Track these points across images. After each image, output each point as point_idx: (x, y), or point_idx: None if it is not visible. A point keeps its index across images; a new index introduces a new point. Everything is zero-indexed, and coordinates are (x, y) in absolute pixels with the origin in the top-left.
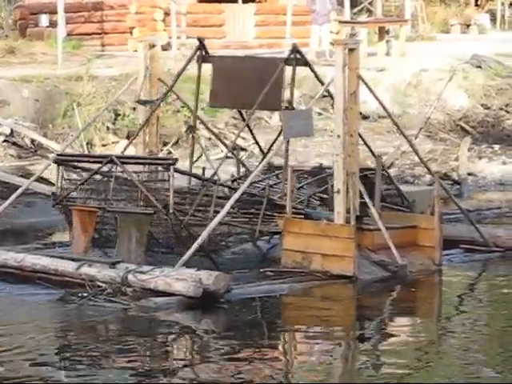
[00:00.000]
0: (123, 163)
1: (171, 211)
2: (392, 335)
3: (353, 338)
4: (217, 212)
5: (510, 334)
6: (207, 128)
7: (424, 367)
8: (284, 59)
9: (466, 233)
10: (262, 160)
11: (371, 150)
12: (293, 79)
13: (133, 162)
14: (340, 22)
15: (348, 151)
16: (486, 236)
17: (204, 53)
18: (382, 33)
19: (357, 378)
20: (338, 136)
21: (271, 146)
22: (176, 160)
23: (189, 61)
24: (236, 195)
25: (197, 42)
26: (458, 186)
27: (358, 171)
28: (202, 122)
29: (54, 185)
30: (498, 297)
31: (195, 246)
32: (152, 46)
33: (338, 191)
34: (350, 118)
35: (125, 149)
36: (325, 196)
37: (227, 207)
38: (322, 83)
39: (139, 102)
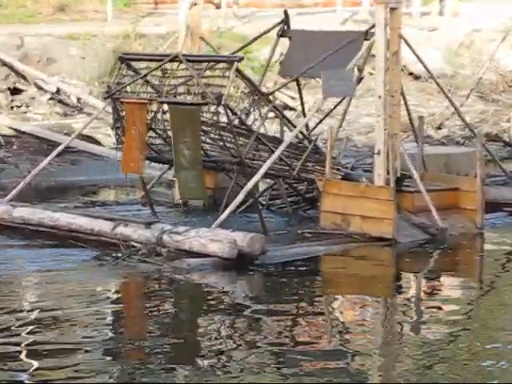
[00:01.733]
0: (188, 61)
1: (223, 103)
2: (431, 298)
3: (392, 301)
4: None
5: None
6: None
7: (463, 330)
8: (363, 33)
9: (510, 195)
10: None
11: (409, 113)
12: (369, 52)
13: (197, 60)
14: None
15: (389, 112)
16: None
17: (286, 27)
18: None
19: (396, 344)
20: (380, 97)
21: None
22: (242, 58)
23: (267, 31)
24: (282, 147)
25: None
26: (509, 148)
27: (399, 132)
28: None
29: (99, 143)
30: None
31: (233, 205)
32: (194, 5)
33: (379, 152)
34: (391, 78)
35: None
36: None
37: (273, 157)
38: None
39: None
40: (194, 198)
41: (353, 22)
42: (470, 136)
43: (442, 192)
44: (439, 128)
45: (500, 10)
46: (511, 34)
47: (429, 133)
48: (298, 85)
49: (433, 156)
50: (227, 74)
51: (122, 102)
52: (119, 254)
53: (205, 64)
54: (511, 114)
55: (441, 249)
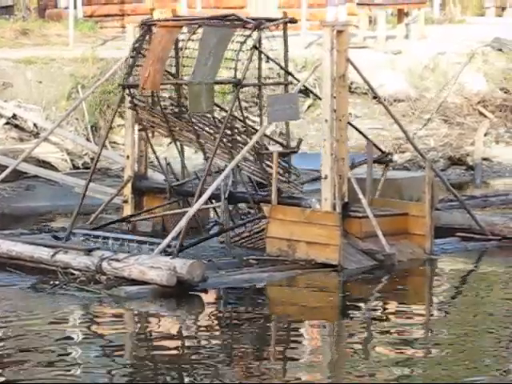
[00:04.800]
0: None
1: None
2: (377, 326)
3: (335, 330)
4: None
5: (504, 320)
6: None
7: (411, 357)
8: None
9: (463, 220)
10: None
11: (364, 135)
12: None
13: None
14: (357, 3)
15: (337, 136)
16: (483, 224)
17: None
18: (401, 15)
19: (342, 370)
20: (326, 120)
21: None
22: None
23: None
24: (220, 178)
25: None
26: (472, 172)
27: (346, 156)
28: None
29: (57, 169)
30: (491, 287)
31: (174, 232)
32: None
33: (326, 177)
34: (338, 102)
35: (108, 130)
36: None
37: (217, 182)
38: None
39: (120, 85)
40: (203, 111)
41: (317, 45)
42: (434, 160)
43: (391, 217)
44: (402, 152)
45: (465, 33)
46: (476, 57)
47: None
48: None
49: (384, 181)
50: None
51: (154, 25)
52: (57, 282)
53: None
54: (475, 138)
55: (388, 275)
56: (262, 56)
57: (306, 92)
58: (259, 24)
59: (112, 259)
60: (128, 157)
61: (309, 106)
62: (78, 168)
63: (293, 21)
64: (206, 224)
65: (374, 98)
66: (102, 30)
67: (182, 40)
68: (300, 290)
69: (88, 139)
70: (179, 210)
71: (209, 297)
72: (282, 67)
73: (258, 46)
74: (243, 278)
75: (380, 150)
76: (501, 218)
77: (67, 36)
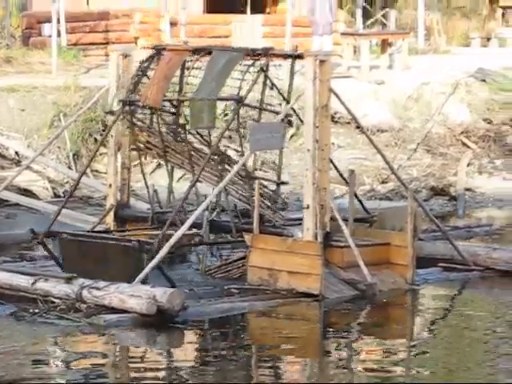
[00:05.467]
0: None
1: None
2: (358, 356)
3: (317, 360)
4: None
5: (483, 358)
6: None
7: None
8: None
9: (445, 251)
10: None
11: (340, 173)
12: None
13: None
14: (341, 33)
15: (319, 166)
16: (466, 254)
17: None
18: (385, 45)
19: None
20: (308, 150)
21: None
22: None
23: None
24: (202, 206)
25: None
26: (455, 202)
27: (328, 186)
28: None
29: (37, 197)
30: (473, 319)
31: (156, 260)
32: (125, 56)
33: (308, 207)
34: (321, 131)
35: (92, 158)
36: None
37: (197, 213)
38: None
39: (107, 112)
40: (205, 126)
41: (301, 74)
42: (417, 190)
43: (372, 247)
44: (384, 182)
45: (450, 63)
46: (460, 88)
47: (374, 186)
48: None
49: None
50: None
51: (165, 49)
52: (37, 310)
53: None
54: (458, 168)
55: (369, 305)
56: (267, 82)
57: (289, 121)
58: (269, 50)
59: (92, 287)
60: (110, 185)
61: (292, 136)
62: (60, 196)
63: (301, 56)
64: (188, 252)
65: (357, 127)
66: (85, 58)
67: (190, 61)
68: (281, 320)
69: (70, 167)
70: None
71: (189, 326)
72: (284, 97)
73: (265, 69)
74: (224, 307)
75: (365, 209)
76: (483, 249)
77: (51, 64)
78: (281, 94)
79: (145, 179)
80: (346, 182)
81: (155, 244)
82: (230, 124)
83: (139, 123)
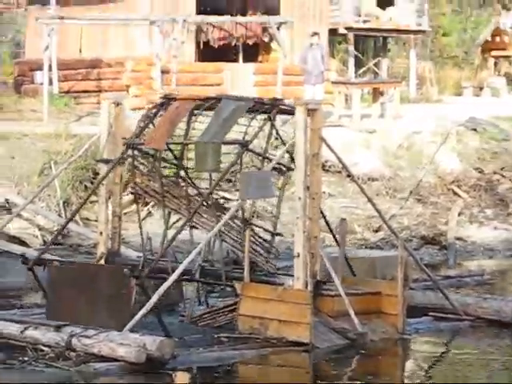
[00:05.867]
0: None
1: None
2: None
3: None
4: None
5: None
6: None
7: None
8: None
9: (436, 300)
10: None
11: (327, 222)
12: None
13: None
14: (333, 82)
15: (309, 214)
16: (456, 304)
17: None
18: (376, 94)
19: None
20: (299, 198)
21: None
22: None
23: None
24: (192, 254)
25: None
26: (445, 251)
27: (319, 234)
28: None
29: (27, 245)
30: (463, 369)
31: (145, 308)
32: (117, 105)
33: (298, 255)
34: (311, 179)
35: (81, 205)
36: None
37: (185, 262)
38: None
39: (99, 160)
40: (209, 169)
41: (291, 123)
42: (408, 239)
43: (363, 296)
44: (376, 230)
45: (441, 112)
46: (451, 137)
47: (365, 235)
48: None
49: (358, 259)
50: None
51: (174, 99)
52: (26, 358)
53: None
54: (449, 217)
55: (359, 354)
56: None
57: (280, 170)
58: (277, 101)
59: (82, 335)
60: (101, 233)
61: (284, 185)
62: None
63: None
64: (179, 301)
65: (348, 176)
66: (78, 106)
67: (198, 109)
68: (271, 369)
69: (60, 215)
70: None
71: (178, 375)
72: (288, 151)
73: (272, 118)
74: (214, 356)
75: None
76: (474, 298)
77: (42, 111)
78: (284, 143)
79: (140, 225)
80: (333, 234)
81: (146, 270)
82: (230, 168)
83: (141, 167)
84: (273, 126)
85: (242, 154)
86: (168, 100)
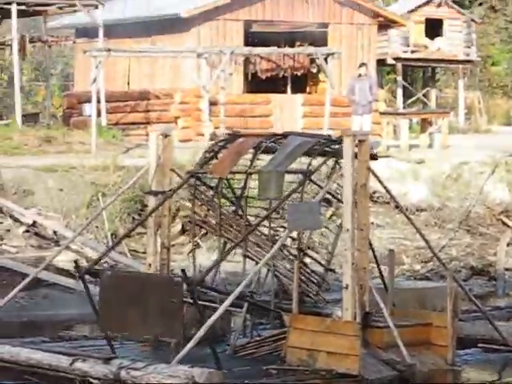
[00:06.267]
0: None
1: None
2: None
3: None
4: None
5: None
6: None
7: None
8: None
9: (485, 331)
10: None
11: (374, 254)
12: None
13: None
14: (381, 113)
15: (358, 246)
16: (506, 335)
17: None
18: (425, 124)
19: None
20: (347, 230)
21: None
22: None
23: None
24: (242, 284)
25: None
26: (494, 282)
27: (367, 266)
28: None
29: (75, 277)
30: None
31: (193, 341)
32: (165, 136)
33: (347, 287)
34: (359, 211)
35: (126, 234)
36: None
37: (235, 293)
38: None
39: (148, 192)
40: (272, 197)
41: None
42: (457, 270)
43: (412, 327)
44: (425, 262)
45: (490, 142)
46: (499, 167)
47: (413, 266)
48: None
49: (407, 291)
50: None
51: (240, 135)
52: None
53: None
54: (498, 248)
55: None
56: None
57: (328, 201)
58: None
59: (130, 368)
60: (150, 265)
61: (331, 216)
62: None
63: (375, 157)
64: (227, 332)
65: (396, 207)
66: (126, 138)
67: (264, 142)
68: None
69: (108, 247)
70: None
71: None
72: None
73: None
74: None
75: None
76: None
77: (90, 144)
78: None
79: (194, 254)
80: (378, 265)
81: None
82: (290, 196)
83: (202, 195)
84: (337, 162)
85: (304, 184)
86: (233, 137)
